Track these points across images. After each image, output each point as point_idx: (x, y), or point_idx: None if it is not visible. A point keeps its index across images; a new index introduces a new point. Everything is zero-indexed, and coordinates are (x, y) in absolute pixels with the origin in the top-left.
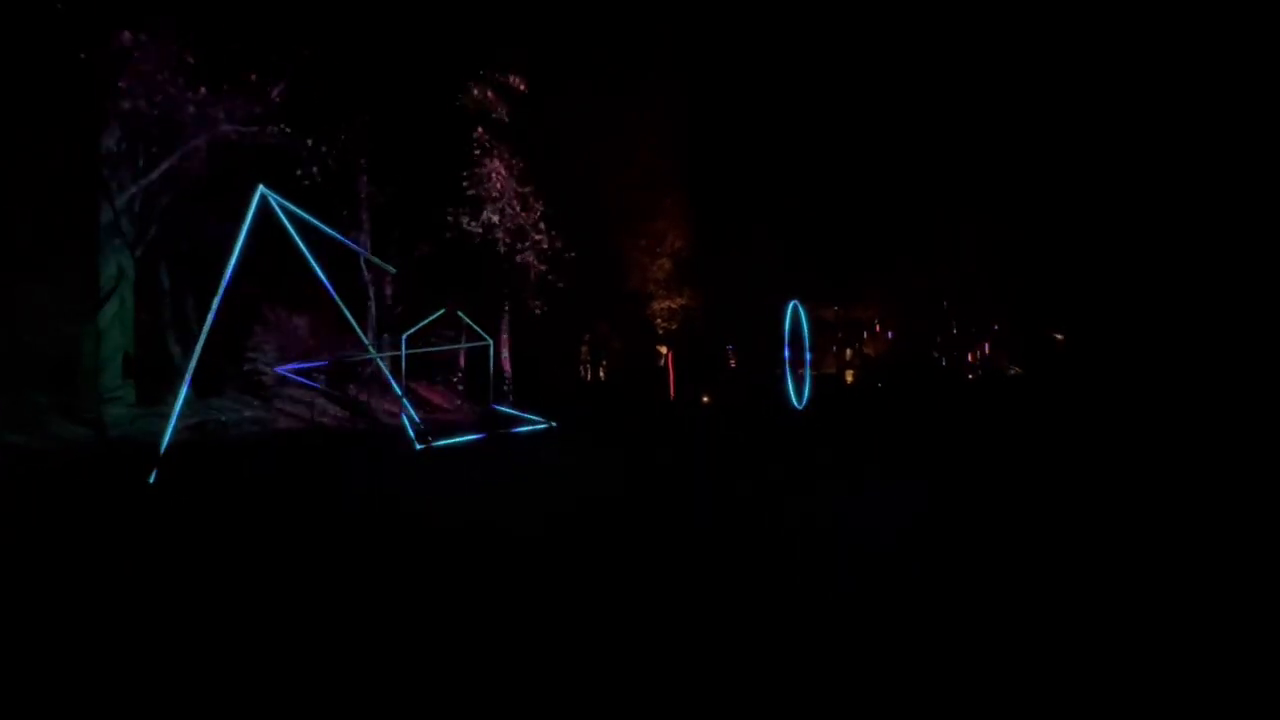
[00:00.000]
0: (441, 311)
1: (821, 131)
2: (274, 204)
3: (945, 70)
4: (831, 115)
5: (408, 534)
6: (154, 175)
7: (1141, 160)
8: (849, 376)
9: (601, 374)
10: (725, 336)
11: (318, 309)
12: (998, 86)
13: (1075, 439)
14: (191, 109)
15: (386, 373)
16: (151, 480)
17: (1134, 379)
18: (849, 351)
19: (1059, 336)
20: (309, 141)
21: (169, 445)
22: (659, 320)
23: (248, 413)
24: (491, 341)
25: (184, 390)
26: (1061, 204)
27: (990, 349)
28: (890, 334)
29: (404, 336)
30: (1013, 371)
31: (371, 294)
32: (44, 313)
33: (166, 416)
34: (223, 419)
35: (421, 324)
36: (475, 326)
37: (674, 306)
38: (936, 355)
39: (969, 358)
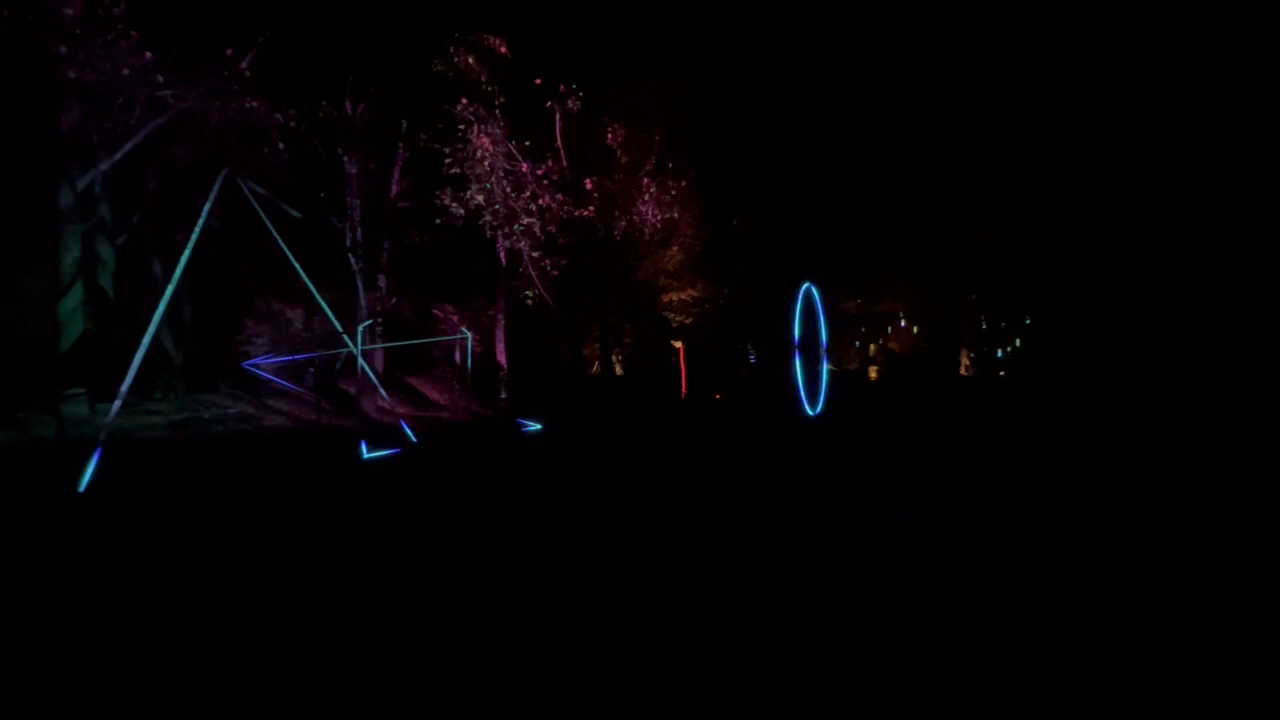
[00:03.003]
0: (369, 323)
1: (844, 116)
2: (244, 187)
3: (974, 49)
4: (853, 99)
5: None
6: (118, 155)
7: (1184, 139)
8: (873, 373)
9: (617, 369)
10: (742, 331)
11: (312, 300)
12: (1031, 66)
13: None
14: (151, 78)
15: (367, 368)
16: (82, 486)
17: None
18: (873, 347)
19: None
20: (279, 117)
21: (103, 446)
22: (671, 313)
23: (234, 409)
24: (469, 335)
25: (127, 383)
26: (1102, 188)
27: (1021, 344)
28: (915, 329)
29: (360, 328)
30: (1002, 373)
31: (361, 283)
32: (34, 302)
33: (148, 414)
34: (204, 416)
35: (365, 324)
36: (451, 318)
37: (686, 299)
38: (966, 350)
39: (998, 353)
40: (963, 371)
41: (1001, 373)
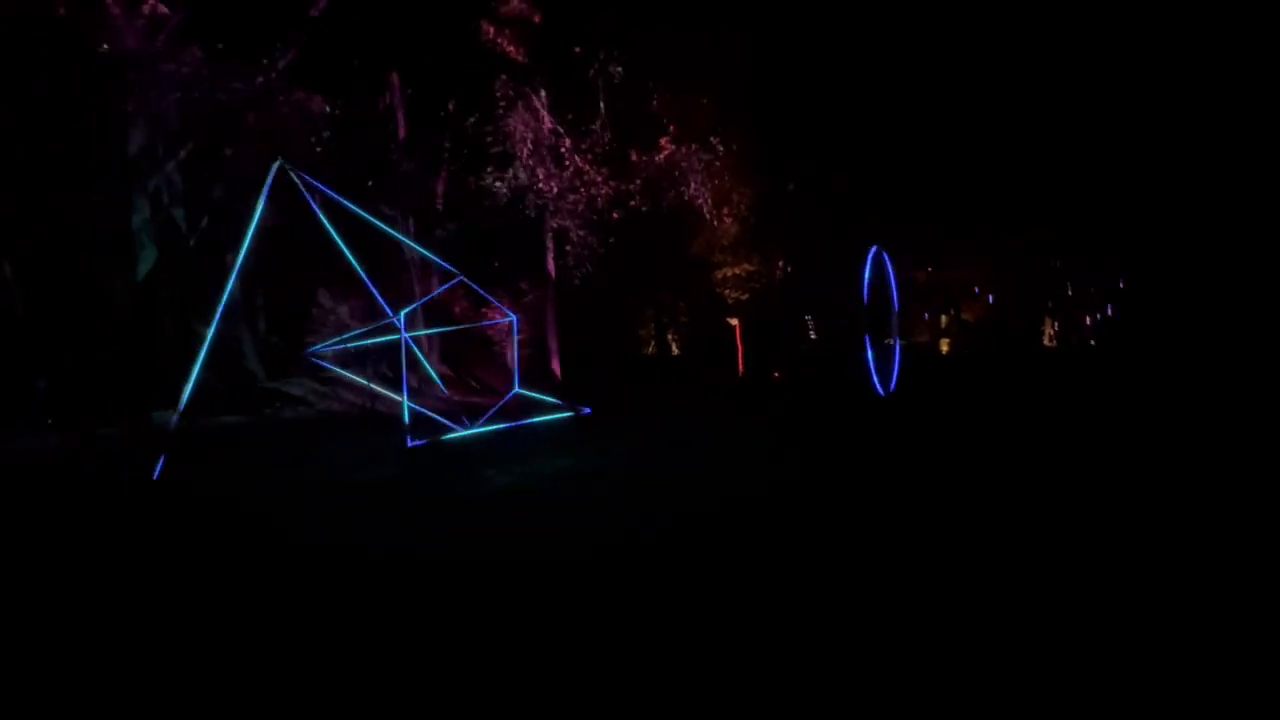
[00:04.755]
0: (414, 307)
1: (907, 67)
2: (294, 177)
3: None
4: (919, 46)
5: None
6: (181, 154)
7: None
8: (944, 346)
9: (673, 349)
10: (802, 306)
11: (369, 289)
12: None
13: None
14: (200, 74)
15: (417, 352)
16: (156, 474)
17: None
18: (944, 318)
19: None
20: (325, 108)
21: (176, 436)
22: (727, 289)
23: (302, 396)
24: (514, 317)
25: (194, 374)
26: (1200, 133)
27: (1114, 311)
28: (991, 297)
29: (402, 313)
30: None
31: (413, 271)
32: (119, 304)
33: (224, 402)
34: (276, 403)
35: (419, 303)
36: (492, 299)
37: (741, 274)
38: (1049, 319)
39: (1086, 321)
40: (1046, 342)
41: (1092, 342)
